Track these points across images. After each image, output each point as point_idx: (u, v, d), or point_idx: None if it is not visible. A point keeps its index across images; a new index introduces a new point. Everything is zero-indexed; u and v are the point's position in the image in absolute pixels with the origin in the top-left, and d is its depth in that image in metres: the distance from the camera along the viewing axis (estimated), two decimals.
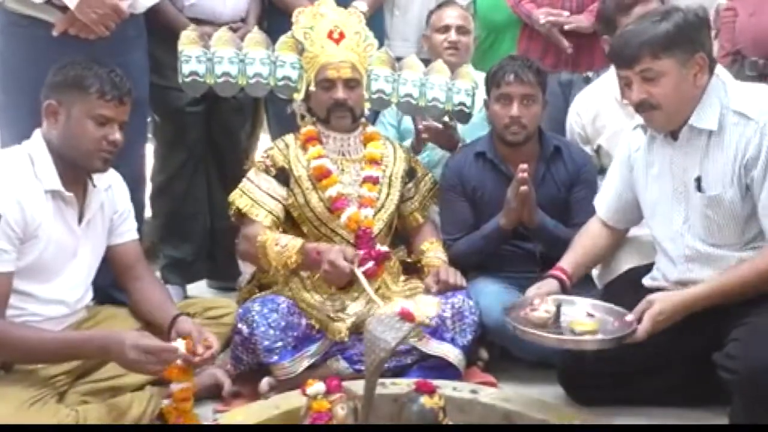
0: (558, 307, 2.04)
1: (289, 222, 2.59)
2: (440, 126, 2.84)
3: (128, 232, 2.32)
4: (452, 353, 2.36)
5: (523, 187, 2.42)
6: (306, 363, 2.31)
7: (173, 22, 2.80)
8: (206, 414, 2.20)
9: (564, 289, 2.25)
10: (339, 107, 2.55)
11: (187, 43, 2.61)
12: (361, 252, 2.38)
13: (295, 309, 2.37)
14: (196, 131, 3.03)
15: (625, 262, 2.46)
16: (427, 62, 2.90)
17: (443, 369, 2.33)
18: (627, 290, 2.26)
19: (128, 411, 2.03)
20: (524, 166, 2.41)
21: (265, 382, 2.31)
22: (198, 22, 2.82)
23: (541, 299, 2.08)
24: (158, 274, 3.02)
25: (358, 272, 2.24)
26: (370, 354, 1.68)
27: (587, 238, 2.42)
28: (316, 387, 1.74)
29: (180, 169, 3.06)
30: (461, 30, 3.09)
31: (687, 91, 2.03)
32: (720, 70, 2.61)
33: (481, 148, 2.68)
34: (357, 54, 2.62)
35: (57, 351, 1.99)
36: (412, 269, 2.67)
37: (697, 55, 2.01)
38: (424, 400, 1.74)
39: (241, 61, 2.65)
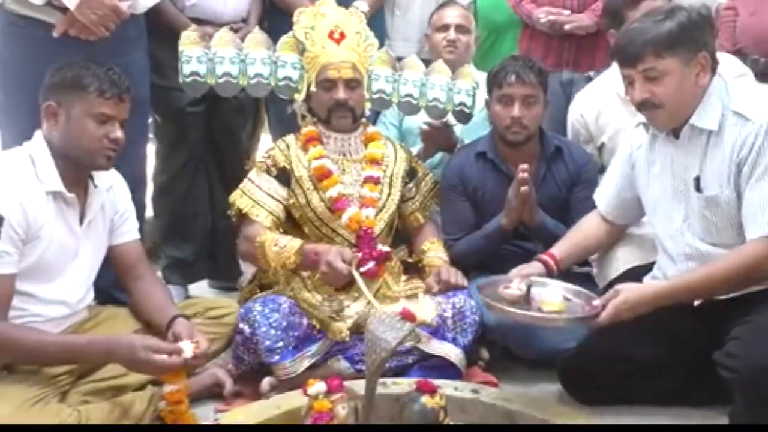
0: (528, 287, 2.09)
1: (291, 222, 2.59)
2: (438, 124, 2.84)
3: (129, 232, 2.32)
4: (453, 353, 2.36)
5: (524, 187, 2.42)
6: (307, 363, 2.31)
7: (174, 23, 2.80)
8: (207, 414, 2.20)
9: (549, 274, 2.28)
10: (340, 107, 2.55)
11: (188, 43, 2.61)
12: (360, 254, 2.38)
13: (296, 309, 2.37)
14: (197, 131, 3.03)
15: (626, 261, 2.46)
16: (428, 62, 2.90)
17: (444, 369, 2.33)
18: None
19: (130, 410, 2.03)
20: (525, 166, 2.42)
21: (266, 382, 2.31)
22: (199, 22, 2.81)
23: (521, 279, 2.13)
24: (160, 274, 3.01)
25: (356, 274, 2.24)
26: (371, 354, 1.68)
27: (583, 230, 2.44)
28: (317, 387, 1.74)
29: (181, 169, 3.06)
30: (461, 29, 3.09)
31: (689, 91, 2.03)
32: (728, 58, 2.61)
33: (482, 148, 2.68)
34: (358, 54, 2.62)
35: (58, 354, 2.00)
36: (414, 269, 2.67)
37: (700, 54, 2.01)
38: (426, 399, 1.74)
39: (242, 62, 2.65)
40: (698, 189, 2.08)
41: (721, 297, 2.07)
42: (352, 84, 2.56)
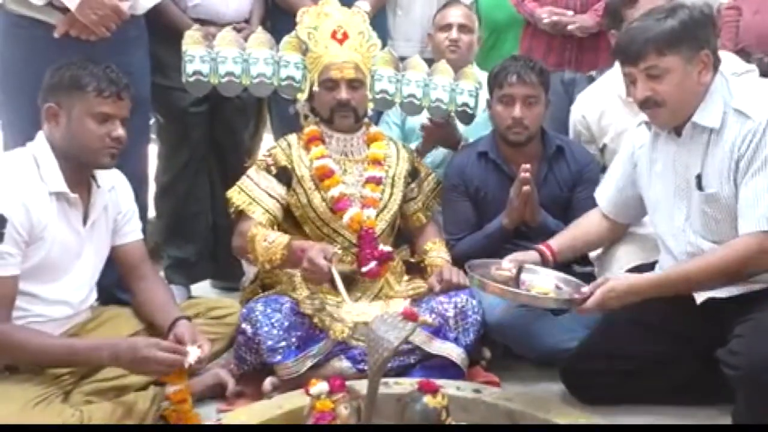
0: (519, 269, 2.14)
1: (291, 222, 2.59)
2: (439, 120, 2.84)
3: (132, 233, 2.32)
4: (455, 352, 2.36)
5: (526, 187, 2.42)
6: (309, 363, 2.30)
7: (177, 23, 2.80)
8: (210, 414, 2.20)
9: (545, 263, 2.31)
10: (342, 107, 2.55)
11: (191, 42, 2.61)
12: (340, 251, 2.38)
13: (298, 309, 2.37)
14: (200, 131, 3.03)
15: (627, 261, 2.46)
16: (431, 62, 2.89)
17: (446, 368, 2.33)
18: None
19: (132, 410, 2.03)
20: (527, 165, 2.42)
21: (268, 382, 2.31)
22: (201, 22, 2.81)
23: (515, 264, 2.17)
24: (162, 274, 3.02)
25: (335, 271, 2.24)
26: (373, 354, 1.68)
27: (584, 226, 2.45)
28: (320, 387, 1.74)
29: (183, 169, 3.06)
30: (463, 29, 3.08)
31: (691, 88, 2.03)
32: (730, 56, 2.61)
33: (484, 148, 2.68)
34: (361, 54, 2.62)
35: (61, 356, 2.00)
36: (416, 269, 2.67)
37: (702, 52, 2.01)
38: (427, 399, 1.74)
39: (244, 61, 2.65)
40: (700, 187, 2.08)
41: (723, 295, 2.07)
42: (355, 84, 2.56)
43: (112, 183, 2.23)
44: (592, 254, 2.58)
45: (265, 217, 2.49)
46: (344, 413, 1.72)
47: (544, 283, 2.17)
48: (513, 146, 2.62)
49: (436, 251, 2.64)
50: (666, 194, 2.19)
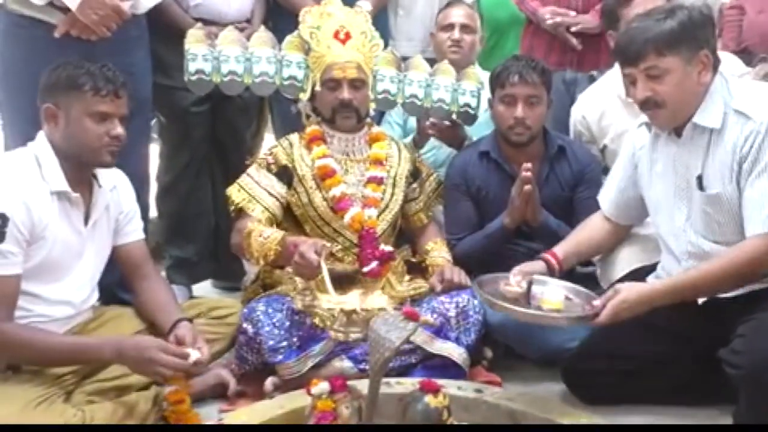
0: (529, 284, 2.11)
1: (292, 221, 2.59)
2: (447, 123, 2.83)
3: (134, 232, 2.32)
4: (456, 352, 2.36)
5: (527, 186, 2.42)
6: (310, 363, 2.30)
7: (179, 22, 2.80)
8: (211, 413, 2.20)
9: (551, 273, 2.29)
10: (344, 107, 2.56)
11: (194, 41, 2.61)
12: (329, 245, 2.37)
13: (299, 309, 2.36)
14: (202, 131, 3.03)
15: (629, 262, 2.46)
16: (433, 62, 2.89)
17: (447, 368, 2.33)
18: None
19: (134, 410, 2.04)
20: (528, 165, 2.42)
21: (269, 382, 2.31)
22: (203, 22, 2.80)
23: (522, 276, 2.15)
24: (163, 274, 3.02)
25: (324, 266, 2.23)
26: (374, 353, 1.68)
27: (587, 229, 2.44)
28: (321, 386, 1.74)
29: (185, 169, 3.06)
30: (465, 29, 3.07)
31: (691, 89, 2.03)
32: (730, 58, 2.61)
33: (485, 148, 2.67)
34: (363, 54, 2.62)
35: (64, 355, 2.01)
36: (417, 269, 2.67)
37: (702, 52, 2.01)
38: (429, 399, 1.73)
39: (247, 60, 2.65)
40: (701, 187, 2.08)
41: (725, 295, 2.06)
42: (357, 84, 2.56)
43: (113, 182, 2.23)
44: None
45: (265, 215, 2.49)
46: (345, 413, 1.72)
47: (555, 296, 2.13)
48: (515, 146, 2.61)
49: (437, 251, 2.64)
50: (666, 195, 2.19)
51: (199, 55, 2.60)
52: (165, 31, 2.75)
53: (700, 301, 2.11)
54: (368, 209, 2.52)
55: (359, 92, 2.57)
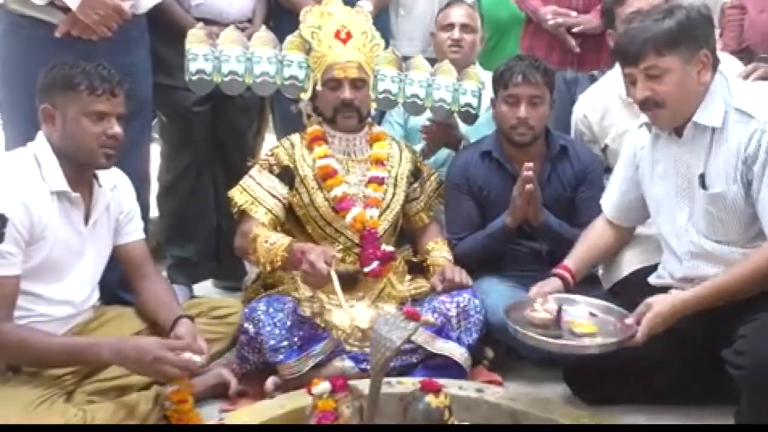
0: (559, 308, 2.06)
1: (294, 221, 2.59)
2: (444, 122, 2.83)
3: (135, 232, 2.32)
4: (458, 352, 2.36)
5: (529, 185, 2.41)
6: (311, 362, 2.30)
7: (180, 22, 2.80)
8: (212, 413, 2.20)
9: (567, 288, 2.26)
10: (346, 107, 2.55)
11: (195, 41, 2.61)
12: (339, 255, 2.37)
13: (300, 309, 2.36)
14: (203, 131, 3.03)
15: (631, 262, 2.45)
16: (434, 61, 2.89)
17: (449, 368, 2.33)
18: (633, 290, 2.26)
19: (135, 410, 2.04)
20: (529, 164, 2.42)
21: (270, 382, 2.31)
22: (204, 22, 2.80)
23: (544, 299, 2.10)
24: (164, 274, 3.02)
25: (334, 276, 2.23)
26: (375, 353, 1.67)
27: (593, 237, 2.42)
28: (322, 386, 1.74)
29: (186, 168, 3.07)
30: (466, 28, 3.07)
31: (691, 88, 2.03)
32: (730, 59, 2.60)
33: (487, 147, 2.67)
34: (364, 54, 2.62)
35: (63, 356, 2.00)
36: (418, 269, 2.67)
37: (701, 52, 2.02)
38: (430, 399, 1.74)
39: (248, 60, 2.65)
40: (703, 186, 2.07)
41: None
42: (358, 84, 2.56)
43: (114, 182, 2.23)
44: None
45: (268, 217, 2.49)
46: (346, 413, 1.71)
47: (585, 314, 2.09)
48: (517, 146, 2.61)
49: (438, 251, 2.64)
50: (668, 195, 2.19)
51: (200, 55, 2.60)
52: (166, 31, 2.75)
53: None
54: (370, 209, 2.52)
55: (360, 92, 2.57)
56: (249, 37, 2.71)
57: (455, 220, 2.72)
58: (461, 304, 2.39)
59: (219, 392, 2.31)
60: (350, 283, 2.44)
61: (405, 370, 2.33)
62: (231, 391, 2.29)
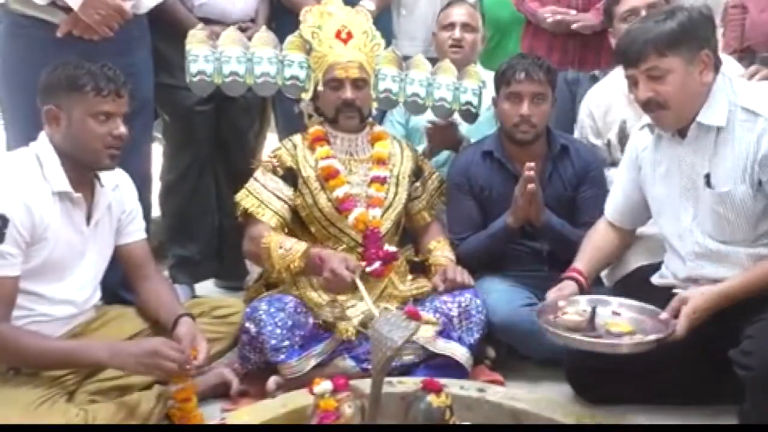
0: (593, 308, 2.05)
1: (297, 222, 2.59)
2: (443, 123, 2.83)
3: (136, 232, 2.32)
4: (459, 352, 2.36)
5: (531, 185, 2.41)
6: (313, 362, 2.31)
7: (183, 22, 2.80)
8: (214, 413, 2.20)
9: (582, 291, 2.24)
10: (347, 107, 2.55)
11: (195, 42, 2.61)
12: (364, 263, 2.38)
13: (302, 308, 2.37)
14: (205, 130, 3.04)
15: (634, 261, 2.46)
16: (435, 61, 2.89)
17: (450, 368, 2.33)
18: (636, 289, 2.26)
19: (137, 410, 2.03)
20: (531, 164, 2.41)
21: (272, 381, 2.31)
22: (207, 21, 2.81)
23: (567, 302, 2.10)
24: (166, 273, 3.03)
25: (360, 283, 2.24)
26: (376, 353, 1.67)
27: (597, 239, 2.41)
28: (323, 386, 1.74)
29: (188, 168, 3.07)
30: (467, 28, 3.07)
31: (693, 89, 2.03)
32: (729, 60, 2.61)
33: (489, 147, 2.67)
34: (365, 54, 2.62)
35: (59, 359, 2.00)
36: (420, 268, 2.66)
37: (702, 52, 2.02)
38: (431, 398, 1.73)
39: (248, 60, 2.65)
40: (709, 186, 2.07)
41: None
42: (359, 83, 2.55)
43: (115, 182, 2.23)
44: None
45: (275, 219, 2.49)
46: (348, 412, 1.71)
47: (621, 317, 2.06)
48: (518, 145, 2.61)
49: (440, 250, 2.64)
50: (671, 195, 2.18)
51: (201, 56, 2.60)
52: (169, 31, 2.75)
53: None
54: (372, 209, 2.52)
55: (362, 92, 2.57)
56: (250, 38, 2.71)
57: (456, 220, 2.71)
58: (463, 304, 2.40)
59: (220, 392, 2.31)
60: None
61: (406, 370, 2.33)
62: (232, 391, 2.29)
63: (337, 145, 2.60)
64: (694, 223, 2.14)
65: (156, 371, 2.03)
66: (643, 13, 2.61)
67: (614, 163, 2.65)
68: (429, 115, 2.87)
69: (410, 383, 1.94)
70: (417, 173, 2.71)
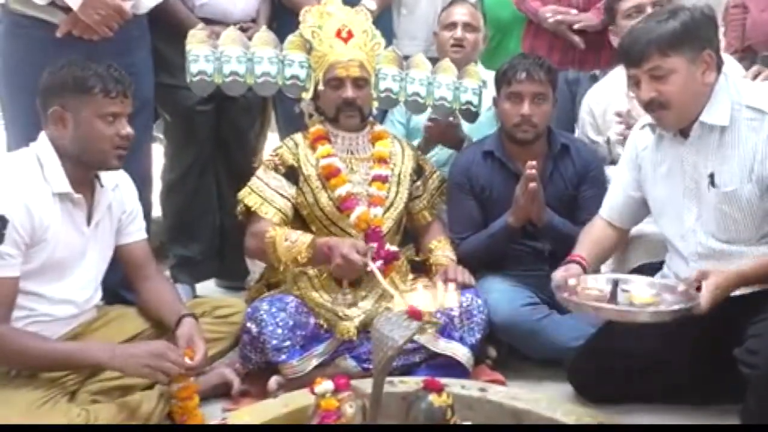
0: (615, 282, 2.05)
1: (299, 221, 2.59)
2: (447, 121, 2.83)
3: (137, 232, 2.32)
4: (460, 351, 2.36)
5: (532, 184, 2.41)
6: (314, 362, 2.31)
7: (184, 22, 2.80)
8: (215, 412, 2.20)
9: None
10: (348, 106, 2.55)
11: (195, 42, 2.61)
12: (375, 244, 2.38)
13: (303, 308, 2.37)
14: (206, 130, 3.04)
15: (634, 261, 2.46)
16: (436, 61, 2.89)
17: (451, 367, 2.33)
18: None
19: (138, 410, 2.04)
20: (532, 162, 2.41)
21: (273, 381, 2.31)
22: (208, 22, 2.81)
23: (578, 280, 2.10)
24: (167, 273, 3.03)
25: (372, 265, 2.25)
26: (378, 352, 1.67)
27: (595, 235, 2.40)
28: (325, 385, 1.73)
29: (189, 168, 3.07)
30: (468, 27, 3.07)
31: (696, 89, 2.03)
32: (730, 60, 2.61)
33: (489, 147, 2.67)
34: (365, 53, 2.62)
35: (57, 362, 1.99)
36: (421, 268, 2.66)
37: (705, 52, 2.02)
38: (433, 398, 1.73)
39: (249, 60, 2.65)
40: (713, 185, 2.07)
41: (731, 294, 2.05)
42: (360, 82, 2.55)
43: (116, 182, 2.23)
44: None
45: (278, 216, 2.49)
46: (349, 412, 1.71)
47: (642, 291, 2.05)
48: (519, 144, 2.61)
49: (441, 250, 2.64)
50: (673, 196, 2.18)
51: (201, 56, 2.60)
52: (170, 31, 2.75)
53: None
54: (374, 208, 2.52)
55: (362, 91, 2.57)
56: (251, 38, 2.71)
57: (457, 220, 2.71)
58: (464, 304, 2.39)
59: (221, 392, 2.31)
60: (353, 281, 2.44)
61: (408, 370, 2.34)
62: (234, 391, 2.29)
63: (338, 144, 2.60)
64: (698, 224, 2.13)
65: (157, 374, 2.02)
66: (649, 9, 2.61)
67: (614, 162, 2.66)
68: (428, 115, 2.86)
69: (411, 383, 1.94)
70: (418, 172, 2.71)
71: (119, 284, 2.43)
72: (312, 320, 2.36)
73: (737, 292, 2.05)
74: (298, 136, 2.64)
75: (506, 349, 2.56)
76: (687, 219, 2.15)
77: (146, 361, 1.98)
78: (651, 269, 2.32)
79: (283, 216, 2.50)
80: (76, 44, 2.37)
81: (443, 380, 1.82)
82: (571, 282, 2.10)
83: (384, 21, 3.01)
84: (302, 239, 2.38)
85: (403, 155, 2.68)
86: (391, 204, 2.59)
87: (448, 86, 2.81)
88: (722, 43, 2.73)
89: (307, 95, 2.68)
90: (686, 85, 2.01)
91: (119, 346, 2.06)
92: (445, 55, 3.00)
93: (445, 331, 2.37)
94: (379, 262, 2.42)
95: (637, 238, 2.51)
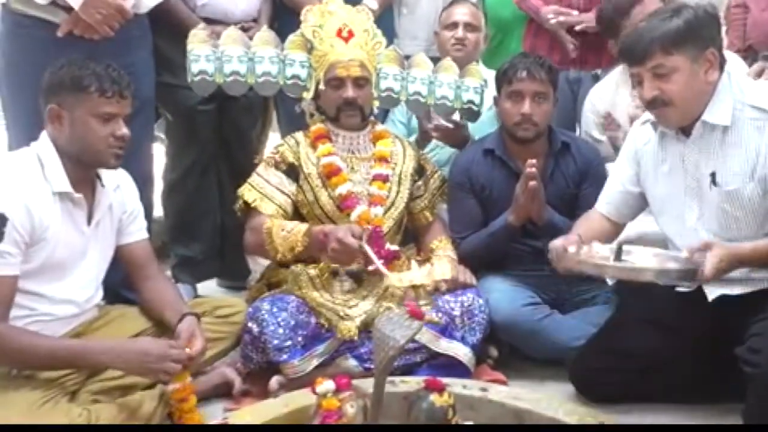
0: (619, 247, 2.05)
1: (298, 219, 2.58)
2: (450, 125, 2.83)
3: (138, 232, 2.31)
4: (462, 351, 2.36)
5: (532, 182, 2.41)
6: (315, 362, 2.31)
7: (185, 22, 2.80)
8: (216, 412, 2.20)
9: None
10: (349, 105, 2.55)
11: (196, 41, 2.61)
12: (371, 227, 2.38)
13: (304, 308, 2.37)
14: (208, 130, 3.03)
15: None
16: (437, 60, 2.89)
17: (453, 367, 2.33)
18: (638, 287, 2.25)
19: (139, 409, 2.03)
20: (533, 161, 2.41)
21: (274, 381, 2.31)
22: (210, 22, 2.82)
23: (577, 247, 2.09)
24: (169, 273, 3.03)
25: (366, 247, 2.24)
26: (379, 352, 1.67)
27: (592, 225, 2.37)
28: (326, 385, 1.73)
29: (191, 167, 3.07)
30: (469, 27, 3.07)
31: (698, 87, 2.03)
32: (734, 58, 2.61)
33: (490, 146, 2.67)
34: (366, 52, 2.62)
35: (57, 360, 1.99)
36: None
37: (708, 51, 2.02)
38: (434, 398, 1.73)
39: (250, 60, 2.65)
40: (715, 184, 2.07)
41: (732, 293, 2.05)
42: (361, 82, 2.55)
43: (116, 182, 2.22)
44: None
45: (278, 213, 2.49)
46: (350, 412, 1.71)
47: (644, 258, 2.06)
48: (520, 143, 2.61)
49: (442, 249, 2.64)
50: (673, 194, 2.18)
51: (202, 56, 2.61)
52: (171, 30, 2.75)
53: (710, 297, 2.10)
54: (374, 207, 2.52)
55: (363, 90, 2.57)
56: (252, 37, 2.71)
57: (458, 219, 2.71)
58: (465, 304, 2.39)
59: (223, 391, 2.31)
60: (354, 281, 2.45)
61: (409, 369, 2.33)
62: (235, 391, 2.29)
63: (338, 143, 2.60)
64: (700, 222, 2.13)
65: (161, 374, 2.02)
66: None
67: (618, 150, 2.64)
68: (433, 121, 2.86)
69: (413, 383, 1.93)
70: (419, 172, 2.71)
71: (120, 284, 2.43)
72: (313, 320, 2.36)
73: (737, 292, 2.05)
74: (299, 135, 2.64)
75: (507, 349, 2.56)
76: (688, 218, 2.15)
77: (151, 364, 1.98)
78: None
79: (282, 213, 2.51)
80: (77, 44, 2.37)
81: (445, 380, 1.81)
82: (571, 249, 2.10)
83: (385, 20, 3.01)
84: (298, 228, 2.38)
85: (404, 155, 2.67)
86: (392, 204, 2.59)
87: (449, 85, 2.81)
88: (724, 43, 2.73)
89: (308, 95, 2.69)
90: (689, 83, 2.01)
91: (121, 345, 2.05)
92: (447, 54, 3.00)
93: (446, 331, 2.37)
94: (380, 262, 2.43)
95: (638, 238, 2.50)
